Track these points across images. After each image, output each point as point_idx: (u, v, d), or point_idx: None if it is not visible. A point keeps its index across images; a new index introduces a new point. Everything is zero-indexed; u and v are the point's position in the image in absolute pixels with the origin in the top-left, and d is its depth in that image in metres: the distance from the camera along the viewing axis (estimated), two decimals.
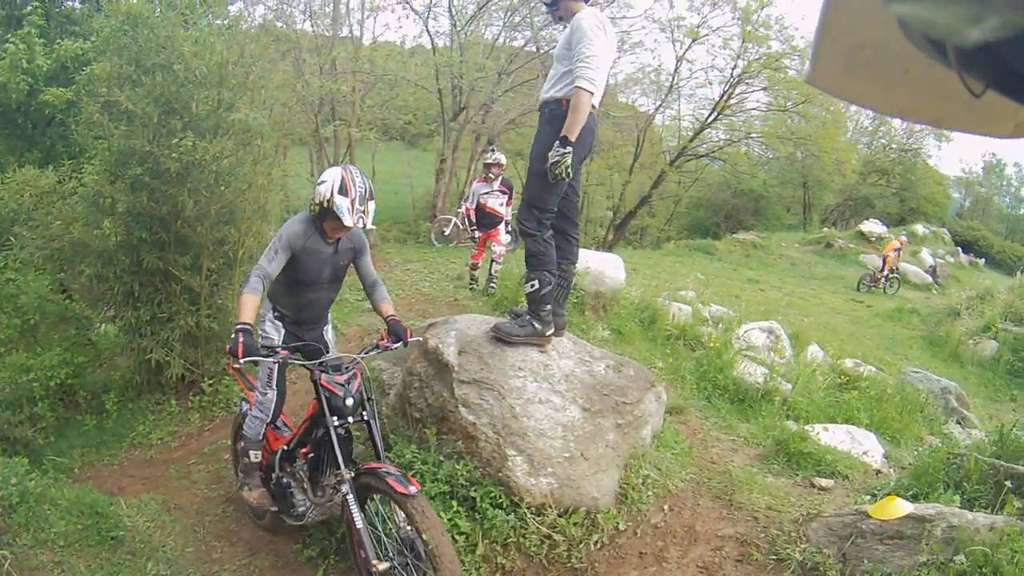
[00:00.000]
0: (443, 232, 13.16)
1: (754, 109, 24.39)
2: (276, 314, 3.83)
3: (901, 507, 3.53)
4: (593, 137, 4.01)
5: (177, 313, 5.82)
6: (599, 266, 7.12)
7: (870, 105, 0.87)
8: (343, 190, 3.39)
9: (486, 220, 8.31)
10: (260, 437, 3.92)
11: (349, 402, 3.38)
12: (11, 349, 6.95)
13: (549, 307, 4.13)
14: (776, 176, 33.52)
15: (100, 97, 5.73)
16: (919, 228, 31.23)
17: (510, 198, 8.50)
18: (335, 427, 3.35)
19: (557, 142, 3.74)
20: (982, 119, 0.75)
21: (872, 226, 27.03)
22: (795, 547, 3.61)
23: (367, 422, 3.46)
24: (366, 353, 3.63)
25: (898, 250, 19.88)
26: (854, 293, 18.61)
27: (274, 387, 3.75)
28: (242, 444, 4.03)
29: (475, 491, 3.69)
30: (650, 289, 8.29)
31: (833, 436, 5.25)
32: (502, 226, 8.42)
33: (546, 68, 12.66)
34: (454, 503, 3.69)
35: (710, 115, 23.69)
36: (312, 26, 14.17)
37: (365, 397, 3.50)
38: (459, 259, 10.08)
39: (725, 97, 22.88)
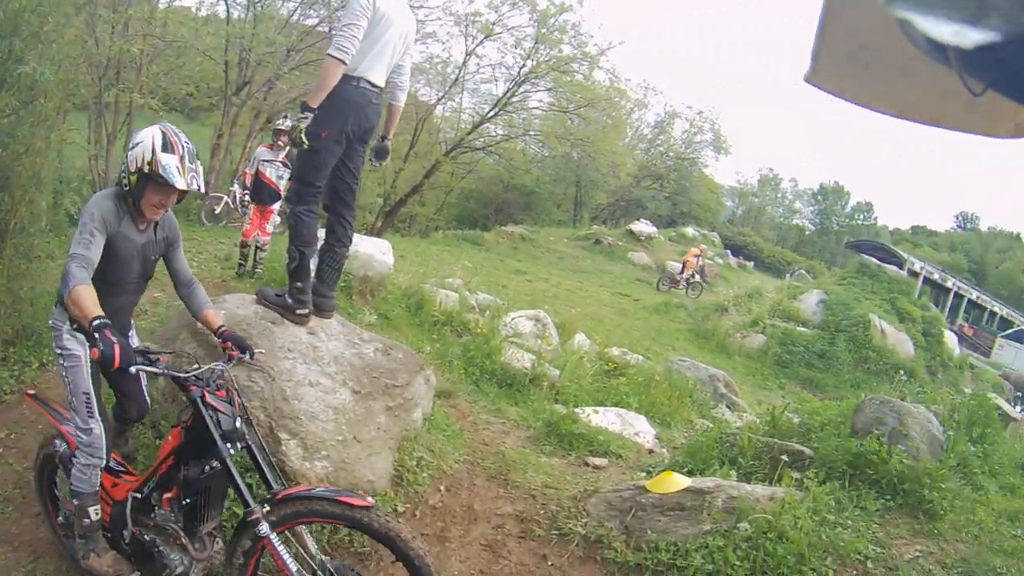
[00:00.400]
0: (213, 211, 12.53)
1: (536, 108, 25.21)
2: (74, 325, 2.94)
3: (679, 480, 3.79)
4: (364, 116, 3.94)
5: None
6: (368, 250, 7.05)
7: (870, 105, 0.87)
8: (167, 147, 2.74)
9: (262, 193, 7.74)
10: (97, 487, 3.05)
11: (238, 424, 2.76)
12: None
13: (301, 285, 4.07)
14: (550, 173, 34.81)
15: None
16: (689, 230, 33.48)
17: (292, 177, 7.92)
18: (229, 456, 2.68)
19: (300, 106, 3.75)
20: (982, 119, 0.78)
21: (642, 226, 28.37)
22: (576, 522, 3.77)
23: (248, 447, 2.80)
24: (225, 364, 2.92)
25: (698, 256, 21.06)
26: (621, 287, 19.55)
27: (97, 418, 2.97)
28: (74, 503, 3.07)
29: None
30: (418, 276, 8.30)
31: (604, 418, 5.57)
32: (276, 206, 7.90)
33: None
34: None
35: (491, 110, 24.46)
36: None
37: (243, 417, 2.86)
38: (228, 239, 9.55)
39: (509, 94, 23.59)
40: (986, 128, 0.82)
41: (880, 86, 0.82)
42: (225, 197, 12.55)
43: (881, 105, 0.87)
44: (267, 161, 7.74)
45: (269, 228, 7.84)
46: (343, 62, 3.68)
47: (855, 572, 3.30)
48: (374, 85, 3.94)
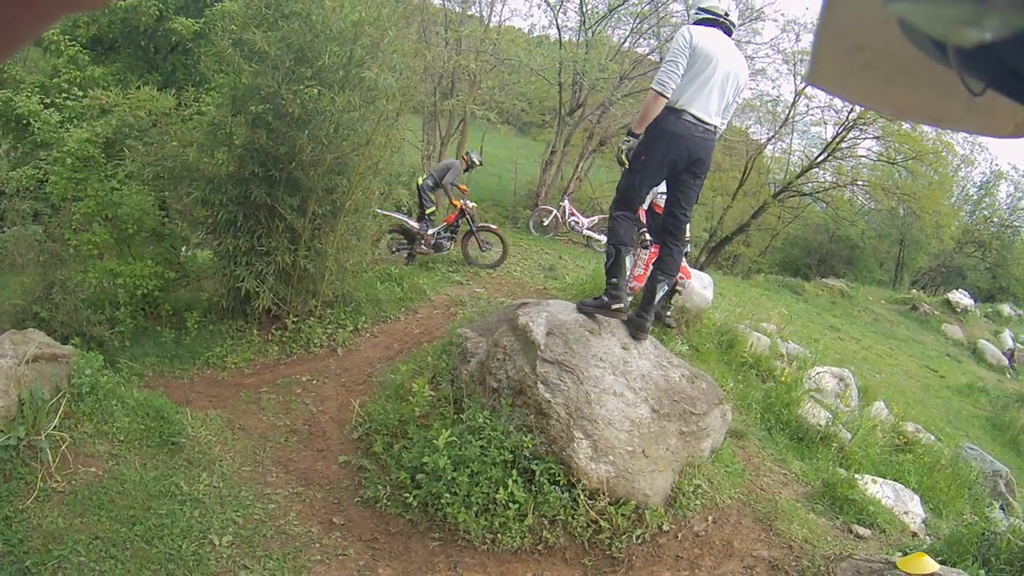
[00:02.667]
0: (542, 222, 13.38)
1: (864, 156, 24.13)
2: None
3: (929, 564, 3.62)
4: (685, 147, 4.19)
5: (276, 249, 5.98)
6: (690, 281, 7.01)
7: (870, 105, 0.87)
8: None
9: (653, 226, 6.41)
10: None
11: None
12: (103, 254, 7.28)
13: (616, 280, 4.37)
14: (875, 228, 32.75)
15: (231, 33, 5.92)
16: (1006, 308, 30.19)
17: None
18: None
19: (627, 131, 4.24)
20: (982, 119, 0.76)
21: (959, 297, 25.89)
22: None
23: None
24: None
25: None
26: (930, 361, 18.12)
27: None
28: None
29: (536, 464, 3.86)
30: (734, 315, 8.24)
31: (880, 490, 5.28)
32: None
33: None
34: (514, 472, 3.83)
35: (820, 154, 23.55)
36: (442, 0, 14.44)
37: None
38: (553, 250, 10.20)
39: (837, 139, 22.74)
40: (986, 128, 0.77)
41: (880, 86, 0.79)
42: (555, 211, 13.49)
43: (881, 105, 0.84)
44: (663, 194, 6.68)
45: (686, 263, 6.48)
46: (662, 95, 4.08)
47: None
48: (699, 120, 4.19)
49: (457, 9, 14.29)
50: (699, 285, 6.98)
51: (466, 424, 4.04)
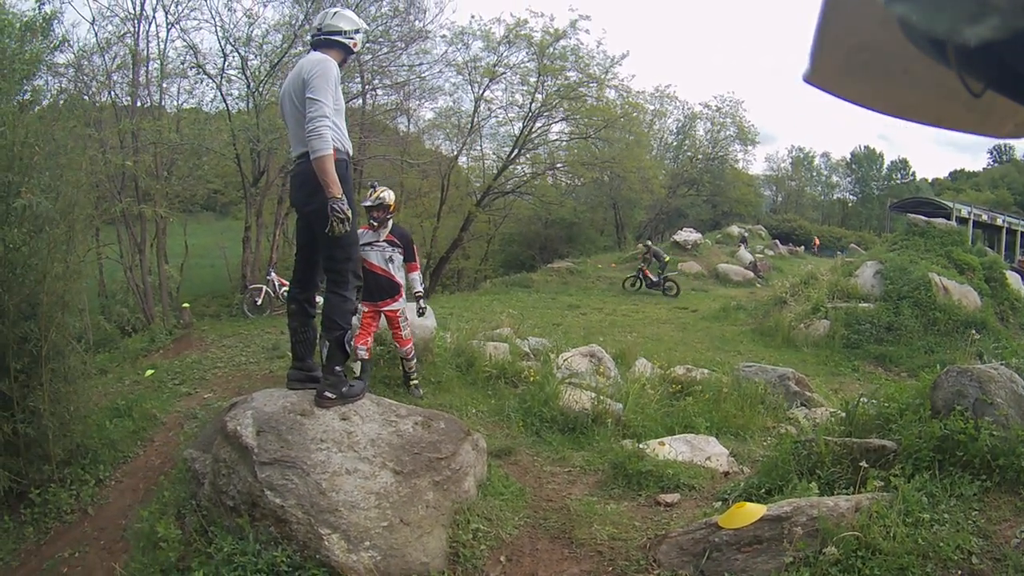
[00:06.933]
0: (255, 302, 12.80)
1: (556, 140, 25.44)
2: None
3: (752, 511, 3.46)
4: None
5: None
6: (408, 316, 6.51)
7: (870, 105, 0.86)
8: None
9: (371, 285, 5.92)
10: None
11: None
12: None
13: (340, 369, 4.23)
14: (585, 202, 34.77)
15: None
16: (734, 228, 33.03)
17: (409, 257, 6.23)
18: None
19: None
20: (982, 119, 0.77)
21: (686, 235, 27.90)
22: (646, 575, 3.49)
23: None
24: None
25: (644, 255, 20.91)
26: (677, 301, 19.09)
27: None
28: None
29: None
30: (465, 333, 8.11)
31: (671, 448, 5.20)
32: (400, 302, 6.14)
33: None
34: None
35: (512, 150, 24.54)
36: (110, 96, 13.40)
37: None
38: (273, 328, 9.53)
39: (527, 131, 23.78)
40: (986, 128, 0.81)
41: (880, 86, 0.81)
42: (264, 287, 12.94)
43: (881, 105, 0.86)
44: (367, 245, 5.96)
45: (404, 332, 6.21)
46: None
47: (960, 573, 2.93)
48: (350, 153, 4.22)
49: (126, 101, 13.27)
50: (417, 316, 6.74)
51: (216, 557, 3.59)
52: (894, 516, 3.12)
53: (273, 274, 13.09)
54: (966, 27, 0.61)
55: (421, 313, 6.42)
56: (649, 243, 21.78)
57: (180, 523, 4.10)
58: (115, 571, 4.48)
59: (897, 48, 0.72)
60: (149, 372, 7.51)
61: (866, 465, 3.61)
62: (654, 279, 20.03)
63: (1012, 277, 15.72)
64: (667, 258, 21.33)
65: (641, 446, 5.06)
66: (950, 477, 3.44)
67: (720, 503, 4.17)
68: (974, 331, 11.80)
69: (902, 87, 0.79)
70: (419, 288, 6.33)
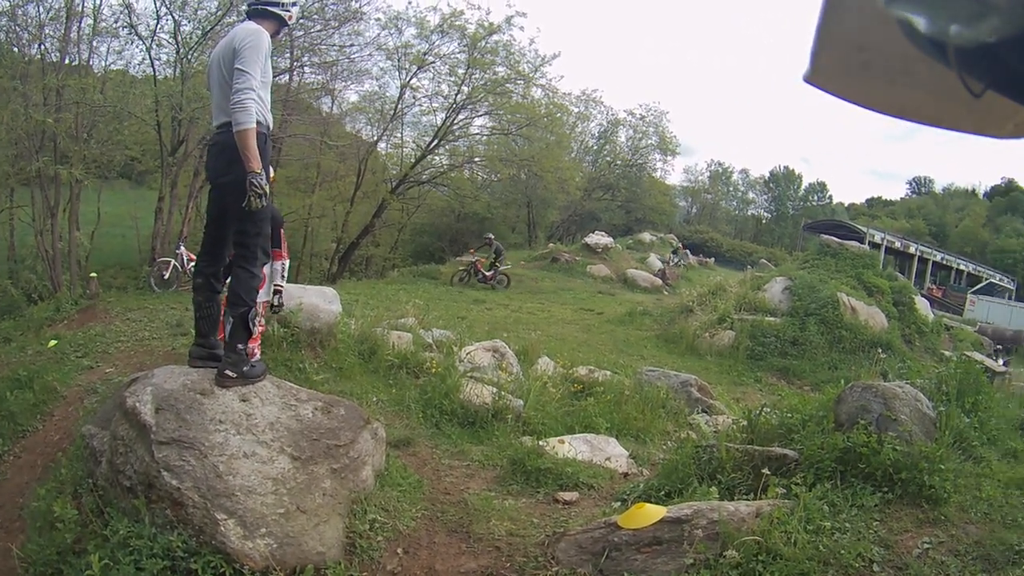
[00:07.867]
0: (162, 276, 12.20)
1: (477, 134, 25.82)
2: None
3: (652, 512, 3.48)
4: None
5: None
6: (312, 300, 6.61)
7: (870, 105, 0.86)
8: None
9: None
10: None
11: None
12: None
13: (242, 347, 4.07)
14: (500, 198, 35.26)
15: None
16: (646, 235, 34.03)
17: (274, 244, 5.48)
18: None
19: None
20: (982, 119, 0.77)
21: (598, 238, 28.26)
22: (545, 572, 3.47)
23: None
24: None
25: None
26: (583, 302, 19.36)
27: None
28: None
29: (195, 562, 3.28)
30: (369, 320, 8.02)
31: (571, 447, 5.26)
32: None
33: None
34: None
35: (432, 141, 24.74)
36: (40, 49, 12.59)
37: None
38: (179, 304, 9.17)
39: (449, 123, 23.99)
40: (986, 128, 0.81)
41: (880, 86, 0.82)
42: (172, 261, 12.25)
43: (881, 105, 0.86)
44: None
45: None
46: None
47: None
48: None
49: (55, 58, 12.34)
50: (323, 301, 6.69)
51: (112, 540, 3.37)
52: (795, 523, 3.19)
53: (182, 248, 12.44)
54: (966, 27, 0.61)
55: (276, 311, 5.55)
56: (491, 236, 21.62)
57: (77, 503, 3.86)
58: (12, 552, 4.16)
59: (897, 48, 0.72)
60: (52, 343, 7.25)
61: (768, 472, 3.67)
62: (488, 273, 20.06)
63: (921, 303, 16.51)
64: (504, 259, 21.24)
65: (541, 443, 5.14)
66: (852, 488, 3.56)
67: (619, 503, 4.23)
68: (880, 351, 12.30)
69: (902, 87, 0.79)
70: (279, 281, 5.41)
